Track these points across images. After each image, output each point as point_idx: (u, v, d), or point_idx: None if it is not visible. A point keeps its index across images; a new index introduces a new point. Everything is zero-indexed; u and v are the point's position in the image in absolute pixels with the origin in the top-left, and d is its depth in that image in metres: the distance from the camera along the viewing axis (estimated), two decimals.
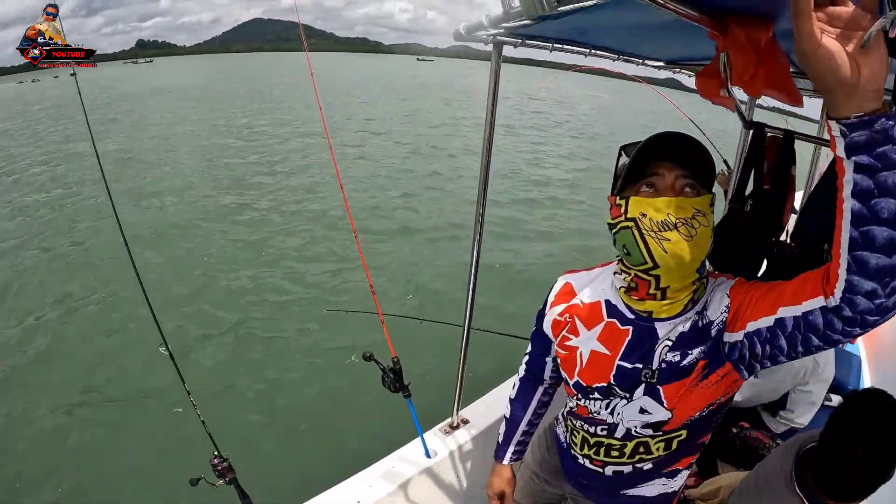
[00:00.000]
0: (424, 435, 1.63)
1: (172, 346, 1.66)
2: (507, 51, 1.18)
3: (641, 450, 0.91)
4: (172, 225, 7.38)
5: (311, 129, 14.87)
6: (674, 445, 0.90)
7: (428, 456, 1.59)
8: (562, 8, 0.62)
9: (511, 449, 1.17)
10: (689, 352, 0.82)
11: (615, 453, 0.93)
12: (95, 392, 3.92)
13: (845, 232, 0.56)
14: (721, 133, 4.58)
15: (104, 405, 3.78)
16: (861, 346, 2.60)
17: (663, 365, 0.84)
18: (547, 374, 1.10)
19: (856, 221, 0.54)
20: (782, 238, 2.80)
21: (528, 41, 1.14)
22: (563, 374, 0.97)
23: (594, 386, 0.90)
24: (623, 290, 0.87)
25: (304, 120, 16.69)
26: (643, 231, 0.78)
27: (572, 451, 1.02)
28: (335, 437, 3.49)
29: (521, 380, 1.15)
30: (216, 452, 1.45)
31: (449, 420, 1.73)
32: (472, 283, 1.46)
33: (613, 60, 1.66)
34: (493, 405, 1.79)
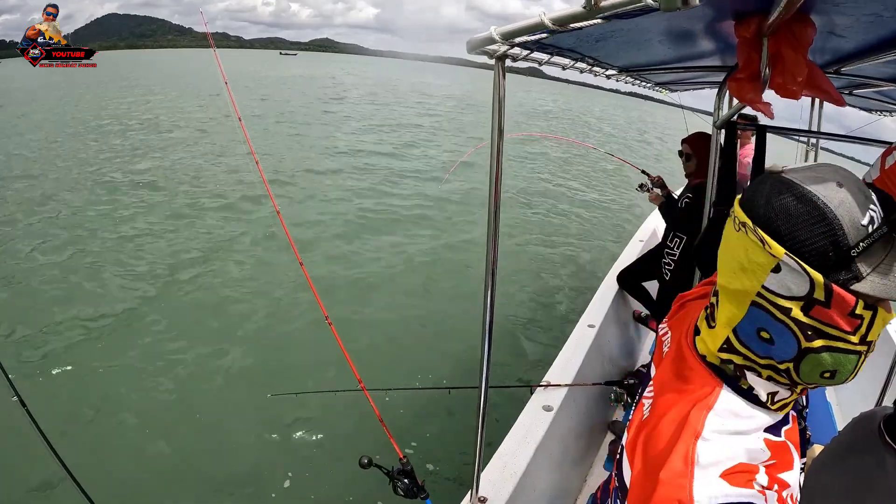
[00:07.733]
0: None
1: None
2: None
3: None
4: None
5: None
6: None
7: None
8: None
9: None
10: None
11: None
12: None
13: None
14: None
15: None
16: None
17: None
18: None
19: None
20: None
21: (532, 54, 1.06)
22: None
23: None
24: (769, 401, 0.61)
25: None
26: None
27: None
28: None
29: None
30: None
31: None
32: (487, 326, 1.20)
33: (581, 73, 1.65)
34: (516, 474, 1.52)
